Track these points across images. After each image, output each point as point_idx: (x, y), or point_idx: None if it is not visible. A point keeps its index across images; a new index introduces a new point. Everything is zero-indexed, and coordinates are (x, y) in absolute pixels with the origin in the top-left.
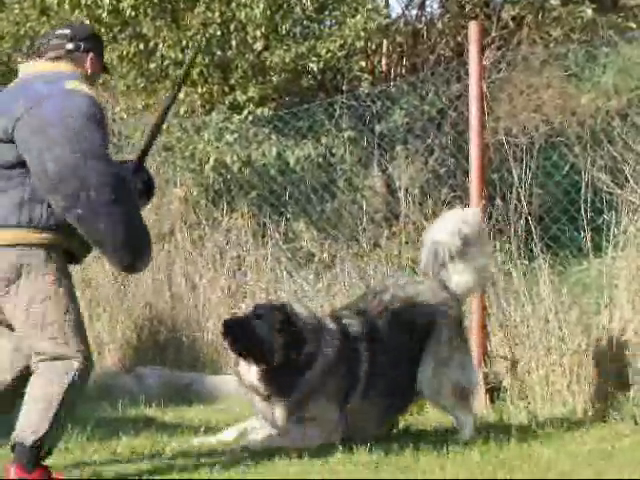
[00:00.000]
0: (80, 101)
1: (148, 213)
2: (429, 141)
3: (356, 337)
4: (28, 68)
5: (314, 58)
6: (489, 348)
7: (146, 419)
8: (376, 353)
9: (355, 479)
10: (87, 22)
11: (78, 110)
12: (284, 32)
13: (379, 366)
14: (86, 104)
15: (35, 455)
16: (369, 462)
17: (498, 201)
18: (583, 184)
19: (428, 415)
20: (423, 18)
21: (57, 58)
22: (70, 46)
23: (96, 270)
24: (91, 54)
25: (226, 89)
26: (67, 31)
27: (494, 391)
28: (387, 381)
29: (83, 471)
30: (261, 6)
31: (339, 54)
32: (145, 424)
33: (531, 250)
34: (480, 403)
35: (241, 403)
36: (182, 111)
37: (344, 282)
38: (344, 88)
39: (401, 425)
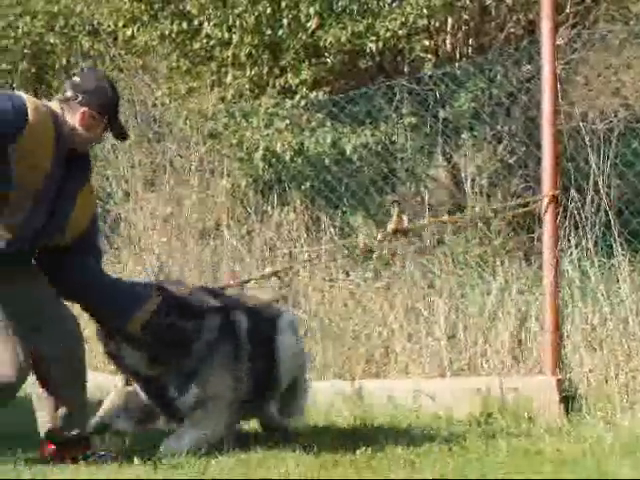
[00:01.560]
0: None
1: (192, 207)
2: (498, 127)
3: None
4: None
5: (372, 37)
6: (563, 353)
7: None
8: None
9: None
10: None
11: None
12: (340, 9)
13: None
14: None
15: None
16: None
17: (573, 192)
18: None
19: None
20: None
21: (59, 100)
22: (69, 93)
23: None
24: (84, 109)
25: (277, 71)
26: (77, 79)
27: (569, 400)
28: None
29: None
30: None
31: (400, 33)
32: None
33: (610, 246)
34: (553, 413)
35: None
36: (229, 96)
37: (405, 281)
38: (405, 70)
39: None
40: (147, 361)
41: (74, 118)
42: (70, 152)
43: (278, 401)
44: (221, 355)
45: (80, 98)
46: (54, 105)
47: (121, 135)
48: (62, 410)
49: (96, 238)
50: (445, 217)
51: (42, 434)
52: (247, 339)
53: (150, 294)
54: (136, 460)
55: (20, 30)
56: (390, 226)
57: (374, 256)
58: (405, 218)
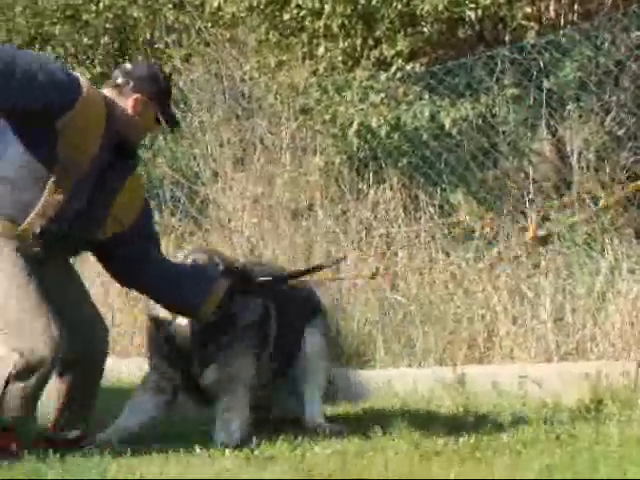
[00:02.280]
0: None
1: (284, 187)
2: (605, 98)
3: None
4: None
5: (472, 5)
6: None
7: (284, 419)
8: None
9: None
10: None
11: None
12: None
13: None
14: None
15: None
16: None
17: None
18: None
19: None
20: None
21: (110, 86)
22: (120, 80)
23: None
24: (138, 95)
25: (371, 42)
26: (128, 66)
27: None
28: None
29: None
30: None
31: (501, 0)
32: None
33: None
34: None
35: (389, 401)
36: (321, 69)
37: (509, 261)
38: (506, 39)
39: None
40: (199, 340)
41: (126, 104)
42: (120, 142)
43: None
44: (254, 338)
45: (132, 84)
46: (104, 89)
47: (173, 123)
48: (66, 412)
49: (150, 227)
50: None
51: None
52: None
53: (216, 276)
54: (227, 452)
55: (102, 3)
56: (528, 234)
57: (476, 235)
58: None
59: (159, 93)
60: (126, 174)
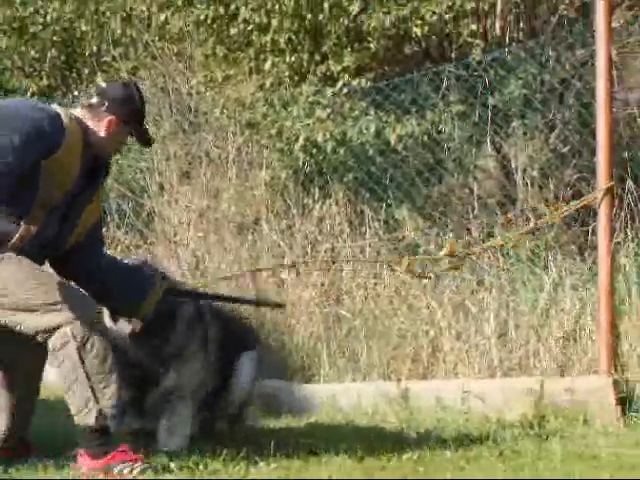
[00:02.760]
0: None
1: (229, 200)
2: (550, 115)
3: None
4: None
5: (418, 22)
6: (619, 352)
7: (228, 432)
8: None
9: None
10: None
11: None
12: None
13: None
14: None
15: (98, 436)
16: None
17: (630, 183)
18: None
19: None
20: None
21: (83, 106)
22: (94, 100)
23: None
24: (111, 117)
25: (318, 58)
26: (102, 85)
27: (626, 402)
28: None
29: None
30: None
31: (446, 17)
32: (228, 437)
33: None
34: (610, 415)
35: (334, 416)
36: (268, 84)
37: (452, 277)
38: (452, 56)
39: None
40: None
41: (99, 125)
42: (93, 164)
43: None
44: (196, 345)
45: (106, 105)
46: (79, 113)
47: (146, 142)
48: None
49: (101, 229)
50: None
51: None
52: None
53: (154, 276)
54: (172, 466)
55: (49, 16)
56: (444, 251)
57: (420, 251)
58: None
59: (133, 115)
60: (94, 190)
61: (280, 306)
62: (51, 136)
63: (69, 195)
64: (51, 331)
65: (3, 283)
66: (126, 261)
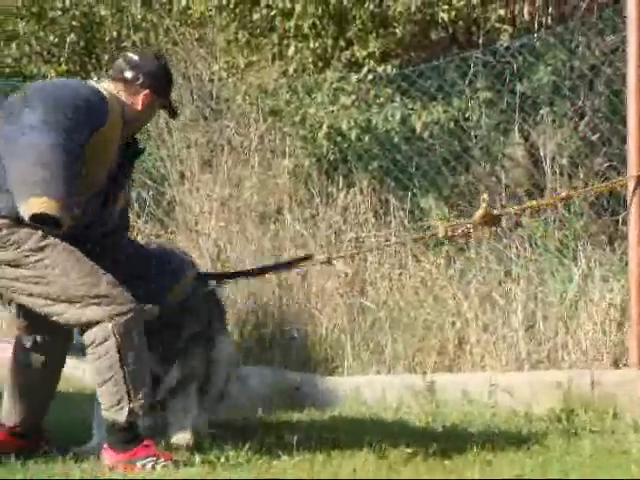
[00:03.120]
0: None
1: (252, 189)
2: (579, 102)
3: None
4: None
5: (445, 6)
6: None
7: (254, 424)
8: None
9: None
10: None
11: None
12: None
13: None
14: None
15: (128, 433)
16: None
17: None
18: None
19: None
20: None
21: (115, 79)
22: (129, 74)
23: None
24: (147, 91)
25: (342, 43)
26: (135, 58)
27: None
28: None
29: None
30: None
31: (474, 1)
32: (249, 431)
33: None
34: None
35: (358, 409)
36: (291, 70)
37: (479, 268)
38: (480, 42)
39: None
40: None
41: (135, 100)
42: (125, 137)
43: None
44: (199, 339)
45: (142, 80)
46: (112, 87)
47: (175, 113)
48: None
49: (128, 217)
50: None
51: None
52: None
53: (183, 262)
54: (197, 458)
55: (68, 0)
56: (479, 212)
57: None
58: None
59: (166, 88)
60: (130, 170)
61: (309, 258)
62: (99, 110)
63: (109, 175)
64: (91, 325)
65: (44, 271)
66: (153, 246)
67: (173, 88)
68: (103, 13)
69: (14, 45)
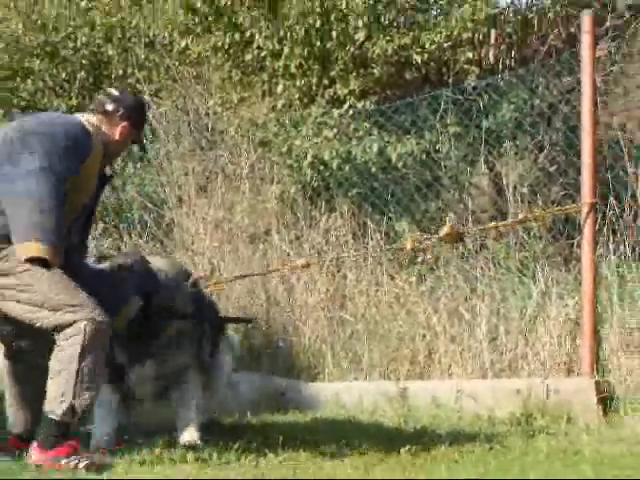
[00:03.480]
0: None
1: (243, 212)
2: (539, 137)
3: None
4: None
5: (418, 49)
6: (601, 356)
7: (242, 426)
8: None
9: None
10: (141, 94)
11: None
12: (387, 22)
13: None
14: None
15: (58, 429)
16: None
17: (612, 200)
18: None
19: None
20: (534, 7)
21: (94, 110)
22: (110, 107)
23: None
24: (125, 123)
25: (326, 82)
26: (115, 93)
27: (607, 402)
28: None
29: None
30: None
31: (445, 45)
32: (239, 431)
33: None
34: (592, 414)
35: (337, 412)
36: (279, 105)
37: (447, 285)
38: (449, 81)
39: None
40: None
41: (113, 130)
42: (103, 165)
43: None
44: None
45: (121, 112)
46: (94, 120)
47: (141, 143)
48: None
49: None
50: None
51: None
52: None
53: (131, 292)
54: (189, 457)
55: (79, 41)
56: (444, 229)
57: (418, 260)
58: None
59: (142, 122)
60: (101, 194)
61: (249, 321)
62: (84, 145)
63: (88, 201)
64: (68, 326)
65: (30, 280)
66: (102, 266)
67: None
68: (110, 53)
69: (29, 81)
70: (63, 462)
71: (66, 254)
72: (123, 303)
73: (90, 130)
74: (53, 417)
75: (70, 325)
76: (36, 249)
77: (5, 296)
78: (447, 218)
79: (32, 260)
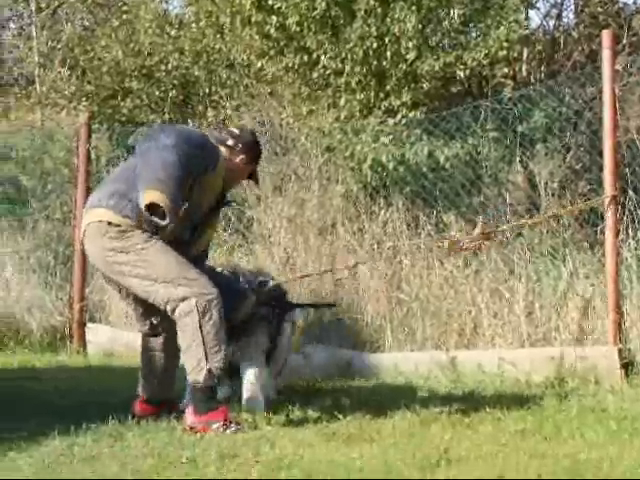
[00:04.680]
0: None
1: (313, 209)
2: (566, 140)
3: None
4: None
5: (461, 66)
6: (623, 327)
7: (315, 390)
8: None
9: None
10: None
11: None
12: (434, 43)
13: None
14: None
15: (205, 396)
16: None
17: (630, 193)
18: None
19: None
20: (560, 28)
21: (219, 142)
22: (230, 142)
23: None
24: (242, 156)
25: (382, 95)
26: (236, 132)
27: (628, 366)
28: None
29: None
30: (413, 20)
31: (484, 62)
32: (313, 395)
33: None
34: (616, 377)
35: (396, 379)
36: (342, 116)
37: (489, 268)
38: (488, 93)
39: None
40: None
41: (234, 162)
42: (224, 190)
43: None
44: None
45: (240, 147)
46: (223, 150)
47: (257, 180)
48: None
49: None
50: (523, 220)
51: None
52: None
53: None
54: (270, 419)
55: (170, 65)
56: (477, 230)
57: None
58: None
59: (257, 157)
60: (217, 214)
61: (332, 306)
62: (215, 154)
63: (202, 214)
64: (179, 301)
65: (147, 257)
66: (221, 269)
67: (261, 160)
68: (197, 74)
69: (128, 99)
70: (214, 426)
71: (178, 247)
72: (240, 298)
73: (221, 151)
74: (198, 385)
75: (182, 300)
76: (157, 196)
77: (125, 273)
78: (478, 220)
79: (151, 209)
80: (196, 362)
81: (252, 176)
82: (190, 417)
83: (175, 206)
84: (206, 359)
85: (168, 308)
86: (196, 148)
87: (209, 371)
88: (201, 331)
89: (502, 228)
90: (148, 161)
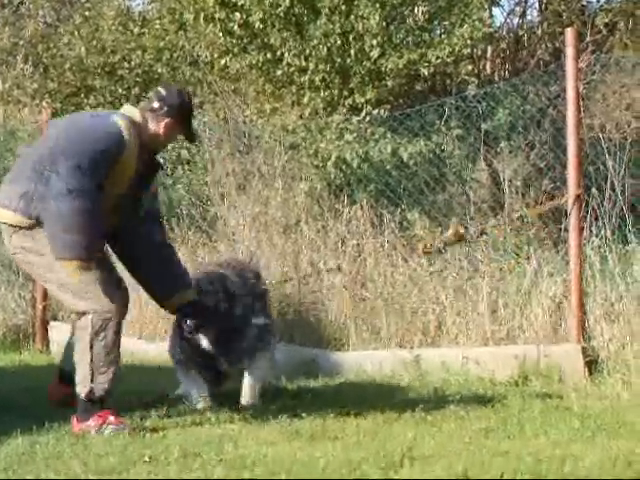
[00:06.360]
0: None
1: (276, 207)
2: (530, 137)
3: None
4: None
5: (425, 64)
6: (586, 325)
7: (278, 389)
8: None
9: None
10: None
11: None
12: (398, 41)
13: None
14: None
15: (88, 405)
16: None
17: (594, 191)
18: None
19: None
20: (524, 26)
21: (144, 109)
22: (155, 105)
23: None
24: (168, 120)
25: (346, 93)
26: (163, 92)
27: (592, 364)
28: None
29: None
30: (377, 18)
31: (448, 60)
32: (276, 394)
33: (624, 235)
34: (579, 375)
35: (360, 377)
36: (306, 113)
37: (454, 266)
38: (452, 90)
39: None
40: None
41: (157, 126)
42: (147, 157)
43: None
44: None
45: (165, 110)
46: (137, 114)
47: (192, 139)
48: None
49: (158, 209)
50: (491, 222)
51: None
52: None
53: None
54: (235, 417)
55: (133, 62)
56: (450, 231)
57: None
58: (461, 227)
59: (186, 117)
60: (151, 181)
61: None
62: (116, 150)
63: (126, 192)
64: (81, 314)
65: (53, 261)
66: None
67: (192, 118)
68: (160, 71)
69: (92, 96)
70: (92, 431)
71: (120, 229)
72: (178, 289)
73: (123, 131)
74: (80, 397)
75: (83, 314)
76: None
77: (35, 275)
78: (452, 221)
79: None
80: (82, 377)
81: (187, 135)
82: (74, 424)
83: (90, 252)
84: (91, 379)
85: (72, 316)
86: (94, 163)
87: (91, 390)
88: (91, 351)
89: (475, 230)
90: (49, 216)
